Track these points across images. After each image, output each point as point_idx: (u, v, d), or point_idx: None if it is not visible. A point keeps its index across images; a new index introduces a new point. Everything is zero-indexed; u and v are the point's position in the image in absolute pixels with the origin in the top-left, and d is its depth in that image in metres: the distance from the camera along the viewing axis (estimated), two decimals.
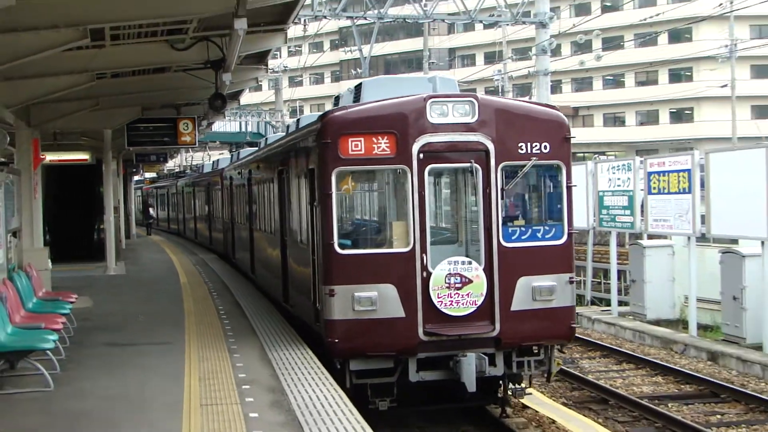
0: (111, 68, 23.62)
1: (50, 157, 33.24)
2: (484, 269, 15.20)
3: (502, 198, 15.50)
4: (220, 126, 53.13)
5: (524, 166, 15.60)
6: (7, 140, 25.65)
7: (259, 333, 18.89)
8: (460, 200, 16.86)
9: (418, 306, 14.93)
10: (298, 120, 23.42)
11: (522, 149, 15.50)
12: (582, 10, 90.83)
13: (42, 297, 19.81)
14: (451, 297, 15.02)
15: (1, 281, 16.66)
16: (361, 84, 17.85)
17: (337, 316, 15.04)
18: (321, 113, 16.90)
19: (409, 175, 15.15)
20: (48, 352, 14.60)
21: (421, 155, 15.12)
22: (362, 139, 15.06)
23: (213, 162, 46.85)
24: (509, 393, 16.42)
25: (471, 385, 14.83)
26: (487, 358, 15.11)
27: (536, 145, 15.55)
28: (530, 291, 15.39)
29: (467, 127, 15.34)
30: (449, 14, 36.51)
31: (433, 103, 15.30)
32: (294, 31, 31.05)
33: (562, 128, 16.02)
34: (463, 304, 15.06)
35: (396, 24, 38.03)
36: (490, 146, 15.31)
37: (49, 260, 25.69)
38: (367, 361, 15.02)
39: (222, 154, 60.87)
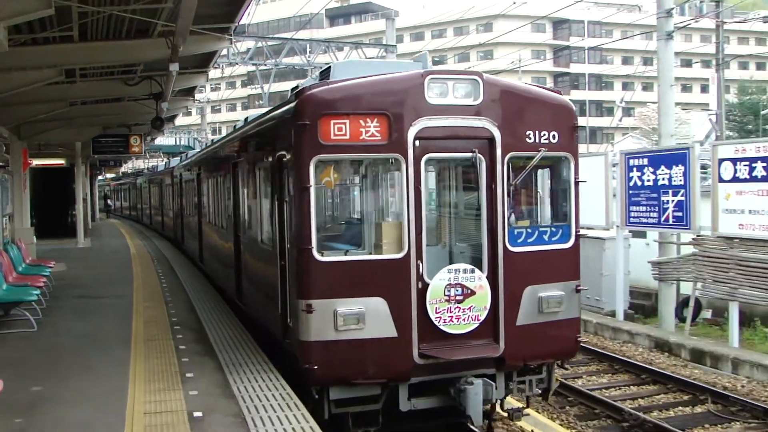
0: (81, 98, 23.59)
1: (36, 162, 32.81)
2: (487, 278, 10.00)
3: (509, 195, 10.30)
4: (160, 140, 52.44)
5: (532, 157, 10.35)
6: (3, 150, 26.03)
7: (187, 289, 18.77)
8: (451, 197, 11.69)
9: (413, 323, 9.66)
10: (246, 118, 15.92)
11: (530, 138, 10.33)
12: None
13: (29, 263, 19.82)
14: (450, 312, 9.79)
15: None
16: (329, 67, 11.16)
17: (316, 336, 9.50)
18: (295, 89, 10.78)
19: (404, 166, 9.74)
20: (33, 303, 14.63)
21: (417, 142, 9.75)
22: (347, 121, 9.56)
23: (165, 162, 43.10)
24: (505, 414, 11.13)
25: (478, 418, 10.00)
26: (494, 384, 10.06)
27: (544, 134, 10.44)
28: (536, 302, 10.26)
29: (470, 111, 10.05)
30: (325, 63, 36.96)
31: (432, 81, 9.91)
32: (214, 73, 31.18)
33: (570, 116, 10.84)
34: (464, 319, 9.85)
35: (288, 69, 38.32)
36: (496, 134, 10.06)
37: (34, 236, 25.70)
38: (350, 389, 9.73)
39: (161, 160, 59.90)
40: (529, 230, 10.52)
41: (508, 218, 10.23)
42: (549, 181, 11.22)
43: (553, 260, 10.54)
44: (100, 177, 71.30)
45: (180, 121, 62.23)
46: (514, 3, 62.54)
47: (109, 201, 77.27)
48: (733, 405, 13.31)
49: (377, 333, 9.61)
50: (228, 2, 15.17)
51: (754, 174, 15.69)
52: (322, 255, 9.68)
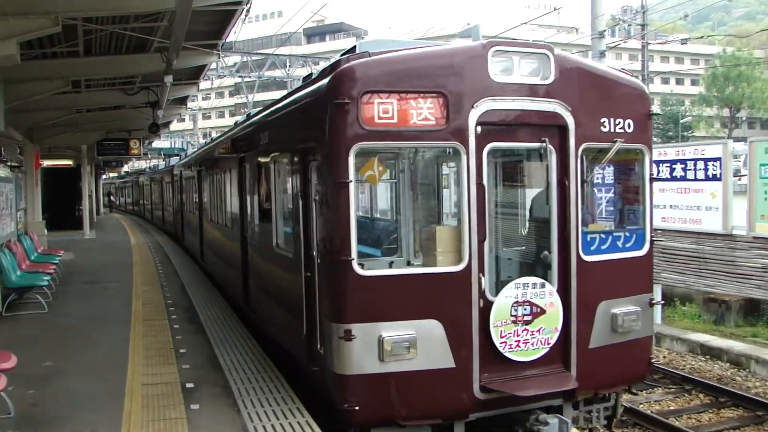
0: (86, 106, 23.44)
1: (47, 162, 32.46)
2: (557, 292, 7.44)
3: (583, 193, 7.68)
4: (157, 143, 52.03)
5: (607, 150, 7.73)
6: (17, 152, 25.78)
7: (181, 275, 18.56)
8: (498, 194, 8.55)
9: (474, 350, 7.13)
10: (248, 114, 13.20)
11: (605, 126, 7.71)
12: None
13: (40, 252, 19.64)
14: (518, 335, 7.25)
15: (13, 242, 16.64)
16: (354, 47, 7.80)
17: (356, 369, 6.90)
18: (329, 63, 7.76)
19: (464, 158, 7.08)
20: (44, 287, 14.54)
21: (479, 129, 7.09)
22: (395, 101, 6.92)
23: (166, 161, 40.46)
24: None
25: None
26: (569, 421, 7.52)
27: (619, 122, 7.78)
28: (609, 320, 7.73)
29: (539, 91, 7.38)
30: (304, 76, 37.09)
31: (496, 53, 7.21)
32: (204, 84, 31.06)
33: (645, 101, 8.13)
34: (532, 344, 7.30)
35: (270, 81, 38.19)
36: (569, 120, 7.44)
37: (45, 229, 25.47)
38: (396, 431, 7.14)
39: (162, 160, 59.37)
40: (603, 236, 7.88)
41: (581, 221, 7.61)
42: (620, 177, 8.61)
43: (627, 270, 7.94)
44: (105, 176, 70.58)
45: (174, 126, 61.72)
46: (468, 24, 62.79)
47: (112, 197, 76.77)
48: (655, 373, 13.21)
49: (431, 363, 6.98)
50: (216, 21, 15.12)
51: (674, 174, 15.94)
52: (364, 268, 7.00)
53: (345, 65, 7.03)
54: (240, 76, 37.56)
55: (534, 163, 8.05)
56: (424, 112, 6.98)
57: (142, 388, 8.68)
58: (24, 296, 14.59)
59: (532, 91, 7.35)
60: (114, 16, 13.45)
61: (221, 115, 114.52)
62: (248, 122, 12.06)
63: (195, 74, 21.09)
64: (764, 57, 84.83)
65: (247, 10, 13.89)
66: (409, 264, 8.85)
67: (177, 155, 41.12)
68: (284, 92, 10.54)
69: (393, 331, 6.89)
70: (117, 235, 34.98)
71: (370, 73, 6.95)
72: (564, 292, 7.46)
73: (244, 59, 37.16)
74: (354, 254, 6.86)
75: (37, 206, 25.59)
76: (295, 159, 8.37)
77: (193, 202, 20.93)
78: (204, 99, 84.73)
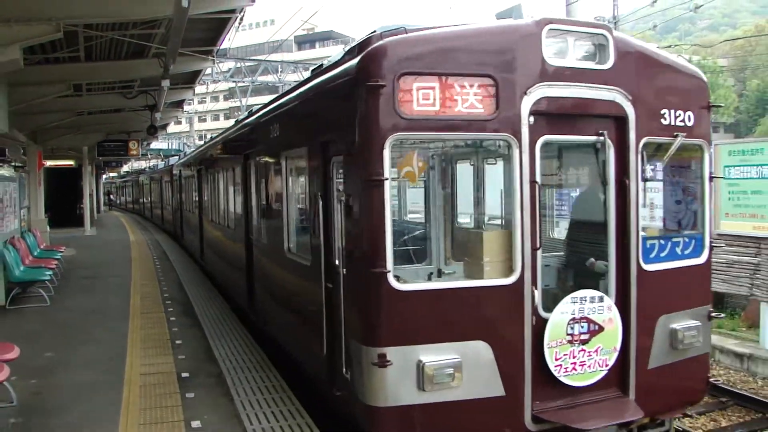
0: (87, 108, 23.39)
1: (49, 163, 32.23)
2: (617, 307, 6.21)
3: (644, 193, 6.41)
4: (155, 145, 51.76)
5: (668, 145, 6.54)
6: (21, 152, 25.66)
7: (177, 268, 18.47)
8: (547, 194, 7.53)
9: (526, 376, 5.91)
10: (250, 110, 11.98)
11: (665, 119, 6.51)
12: None
13: (43, 248, 19.47)
14: (574, 357, 6.04)
15: (17, 238, 16.50)
16: (373, 33, 6.31)
17: (392, 400, 5.63)
18: (355, 42, 6.55)
19: (516, 152, 5.88)
20: (46, 282, 14.48)
21: (532, 119, 5.90)
22: (437, 85, 5.62)
23: (166, 161, 38.84)
24: None
25: None
26: None
27: (679, 115, 6.58)
28: (668, 336, 6.56)
29: (597, 77, 6.14)
30: (295, 81, 36.94)
31: (551, 32, 5.99)
32: (200, 88, 30.97)
33: (704, 92, 6.91)
34: (590, 366, 6.10)
35: (262, 86, 38.10)
36: (629, 111, 6.24)
37: (48, 226, 25.33)
38: None
39: (161, 160, 59.05)
40: (662, 242, 6.70)
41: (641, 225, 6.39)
42: (678, 176, 7.20)
43: (686, 280, 6.76)
44: (106, 175, 70.11)
45: (171, 128, 61.63)
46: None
47: (111, 196, 76.50)
48: None
49: (478, 391, 5.74)
50: (211, 29, 15.08)
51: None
52: (400, 281, 5.73)
53: (378, 42, 5.68)
54: (234, 81, 37.54)
55: (577, 157, 7.05)
56: (471, 98, 5.69)
57: (140, 377, 8.62)
58: (27, 290, 14.50)
59: (588, 76, 6.10)
60: (113, 23, 13.41)
61: (216, 118, 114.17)
62: (253, 117, 10.73)
63: (191, 79, 21.03)
64: (727, 66, 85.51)
65: (241, 19, 13.86)
66: (440, 274, 7.62)
67: (175, 155, 40.82)
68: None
69: (434, 354, 5.60)
70: (116, 232, 34.78)
71: (408, 51, 5.60)
72: (623, 305, 6.22)
73: (238, 65, 37.09)
74: (390, 265, 5.55)
75: (40, 204, 25.43)
76: (313, 154, 7.07)
77: (193, 201, 19.68)
78: (200, 102, 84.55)
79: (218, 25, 14.67)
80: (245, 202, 11.13)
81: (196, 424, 7.04)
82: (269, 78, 37.06)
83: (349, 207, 5.99)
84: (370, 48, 5.76)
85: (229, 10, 13.10)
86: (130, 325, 11.67)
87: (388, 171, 5.52)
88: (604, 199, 6.35)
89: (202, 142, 29.46)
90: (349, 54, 6.30)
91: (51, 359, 9.67)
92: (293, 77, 34.27)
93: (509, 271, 5.92)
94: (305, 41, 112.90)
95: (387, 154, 5.53)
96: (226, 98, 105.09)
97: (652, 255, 6.53)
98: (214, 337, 10.68)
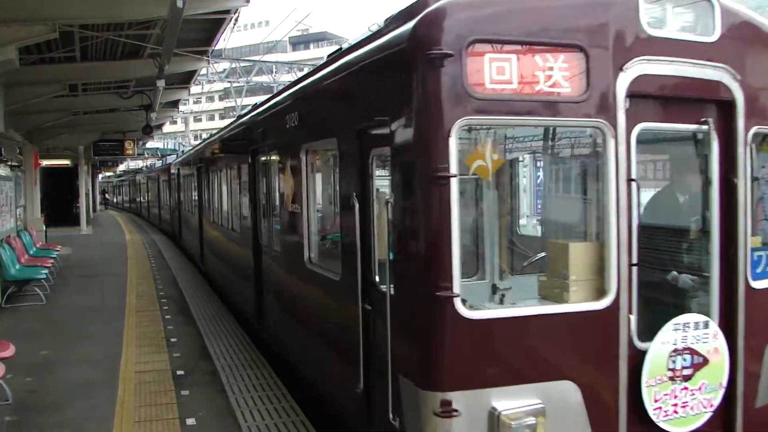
0: (82, 108, 23.37)
1: (45, 162, 32.25)
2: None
3: (752, 194, 5.08)
4: (150, 144, 51.71)
5: None
6: (17, 152, 25.69)
7: (172, 267, 18.40)
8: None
9: (621, 422, 4.58)
10: (255, 104, 10.69)
11: None
12: None
13: (39, 247, 19.46)
14: (675, 396, 4.67)
15: (13, 237, 16.49)
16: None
17: None
18: (406, 7, 4.84)
19: (611, 142, 4.53)
20: (42, 280, 14.45)
21: (628, 102, 4.53)
22: (514, 56, 4.30)
23: (163, 160, 37.77)
24: None
25: None
26: None
27: None
28: None
29: (700, 52, 4.78)
30: (289, 81, 37.08)
31: None
32: (195, 88, 30.95)
33: None
34: (692, 408, 4.73)
35: (257, 86, 38.10)
36: (738, 94, 4.90)
37: (44, 225, 25.29)
38: None
39: (158, 160, 58.83)
40: None
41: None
42: None
43: None
44: (103, 174, 69.86)
45: (167, 128, 61.40)
46: None
47: (107, 195, 76.34)
48: None
49: None
50: (206, 29, 15.09)
51: None
52: (466, 305, 4.41)
53: (439, 3, 4.43)
54: (229, 81, 37.53)
55: (659, 149, 5.97)
56: (556, 74, 4.47)
57: (135, 375, 8.60)
58: (23, 289, 14.43)
59: (691, 51, 4.83)
60: (109, 24, 13.39)
61: (211, 118, 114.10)
62: (263, 106, 9.46)
63: (186, 79, 21.04)
64: None
65: (236, 19, 13.87)
66: (495, 290, 6.32)
67: (170, 155, 40.61)
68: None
69: (511, 400, 4.37)
70: (112, 230, 34.71)
71: (480, 13, 4.42)
72: (727, 330, 4.92)
73: (233, 65, 37.03)
74: (457, 286, 4.31)
75: (35, 203, 25.42)
76: (346, 146, 5.78)
77: (193, 201, 18.39)
78: (195, 103, 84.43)
79: (213, 25, 14.68)
80: (253, 203, 9.93)
81: (191, 421, 7.03)
82: (264, 78, 37.08)
83: (398, 212, 4.73)
84: (429, 9, 4.45)
85: (224, 11, 13.11)
86: (125, 322, 11.63)
87: (455, 165, 4.30)
88: (704, 201, 5.06)
89: (198, 141, 29.22)
90: (396, 21, 4.93)
91: (46, 357, 9.63)
92: (288, 77, 34.27)
93: (600, 292, 4.67)
94: (300, 42, 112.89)
95: (453, 143, 4.28)
96: (221, 98, 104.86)
97: (759, 269, 5.23)
98: (209, 334, 10.66)
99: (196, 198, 17.51)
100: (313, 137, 6.90)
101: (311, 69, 7.17)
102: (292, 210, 7.56)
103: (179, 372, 8.71)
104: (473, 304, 4.61)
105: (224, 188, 13.09)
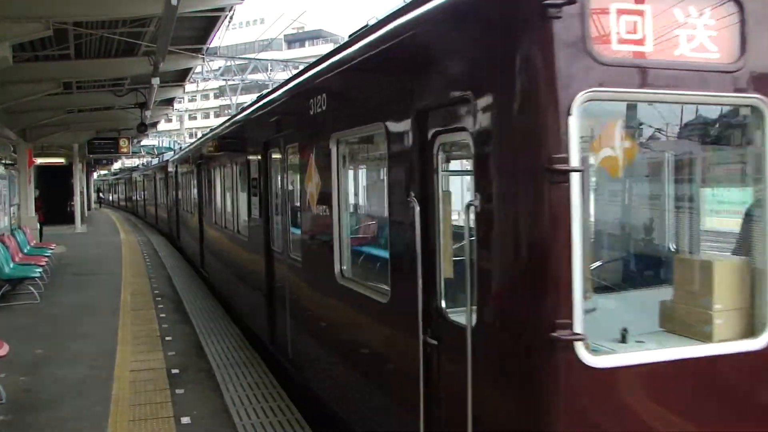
0: (77, 106, 23.33)
1: (40, 160, 32.10)
2: None
3: None
4: (145, 142, 51.62)
5: None
6: (11, 150, 25.67)
7: (167, 266, 18.38)
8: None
9: None
10: (260, 95, 9.63)
11: None
12: None
13: (33, 246, 19.36)
14: None
15: (7, 236, 16.42)
16: None
17: None
18: None
19: None
20: (36, 279, 14.34)
21: None
22: (648, 8, 3.13)
23: (160, 157, 36.24)
24: None
25: None
26: None
27: None
28: None
29: None
30: (284, 79, 37.09)
31: None
32: (190, 86, 30.91)
33: None
34: None
35: (252, 84, 38.09)
36: None
37: (38, 223, 25.19)
38: None
39: (154, 158, 58.71)
40: None
41: None
42: None
43: None
44: (99, 173, 69.71)
45: (162, 126, 61.31)
46: None
47: (101, 194, 76.18)
48: None
49: None
50: (201, 27, 15.04)
51: None
52: (593, 350, 3.28)
53: None
54: (224, 79, 37.58)
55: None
56: (700, 34, 3.39)
57: (130, 374, 8.55)
58: (17, 287, 14.36)
59: None
60: (103, 21, 13.33)
61: (206, 116, 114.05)
62: (278, 92, 8.11)
63: (181, 77, 21.01)
64: None
65: (231, 17, 13.81)
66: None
67: (165, 153, 40.51)
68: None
69: None
70: (107, 229, 34.62)
71: None
72: None
73: (228, 63, 37.04)
74: (578, 324, 3.18)
75: (29, 202, 25.29)
76: (398, 132, 4.51)
77: (192, 201, 16.97)
78: (190, 101, 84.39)
79: (208, 23, 14.63)
80: (264, 203, 8.64)
81: (185, 419, 6.98)
82: (259, 76, 37.06)
83: (490, 218, 3.53)
84: None
85: (219, 9, 13.08)
86: (120, 321, 11.58)
87: (576, 155, 3.15)
88: None
89: (196, 138, 28.92)
90: None
91: (41, 356, 9.58)
92: (283, 75, 34.28)
93: (752, 326, 3.52)
94: (295, 40, 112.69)
95: (574, 125, 3.15)
96: (216, 96, 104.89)
97: None
98: (204, 332, 10.62)
99: (196, 197, 16.20)
100: (348, 123, 5.57)
101: (342, 42, 5.85)
102: (316, 213, 6.31)
103: (174, 370, 8.66)
104: (590, 342, 3.28)
105: (229, 186, 11.66)
